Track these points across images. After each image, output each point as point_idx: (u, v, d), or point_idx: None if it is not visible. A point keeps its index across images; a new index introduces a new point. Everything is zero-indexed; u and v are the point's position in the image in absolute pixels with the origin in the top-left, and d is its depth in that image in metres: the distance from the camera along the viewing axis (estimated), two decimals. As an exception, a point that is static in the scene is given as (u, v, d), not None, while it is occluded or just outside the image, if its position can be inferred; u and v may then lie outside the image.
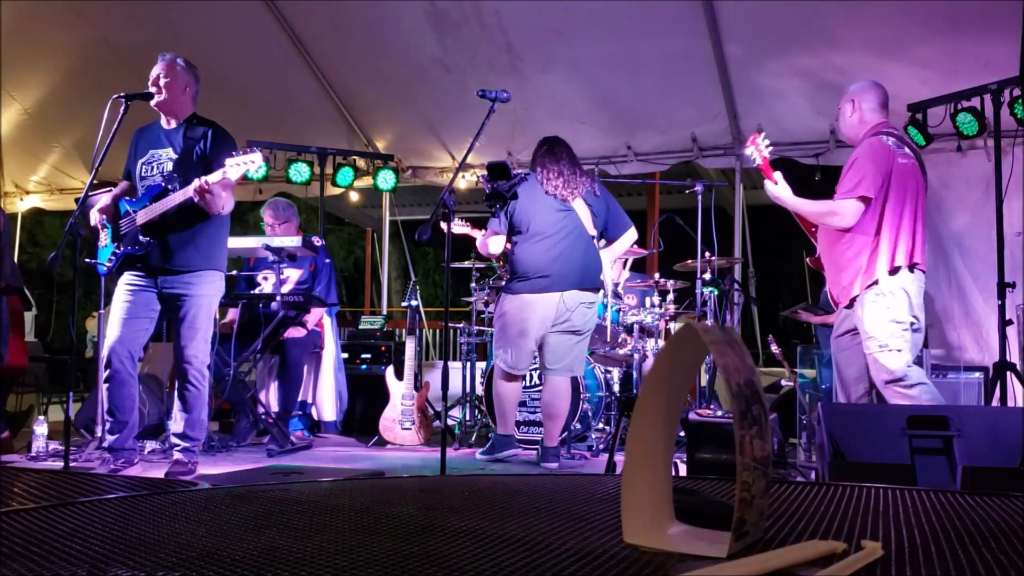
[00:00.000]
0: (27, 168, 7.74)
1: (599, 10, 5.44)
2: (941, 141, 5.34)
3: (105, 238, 3.96)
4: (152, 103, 3.86)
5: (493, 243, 4.35)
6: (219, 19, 5.97)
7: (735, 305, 5.47)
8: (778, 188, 3.58)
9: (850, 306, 3.54)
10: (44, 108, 6.89)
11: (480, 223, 4.78)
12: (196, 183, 3.61)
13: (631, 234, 4.53)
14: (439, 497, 1.65)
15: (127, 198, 3.92)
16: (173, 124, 3.93)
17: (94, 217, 3.92)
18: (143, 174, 3.90)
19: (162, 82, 3.85)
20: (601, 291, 4.59)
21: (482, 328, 5.78)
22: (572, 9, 5.49)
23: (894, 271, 3.42)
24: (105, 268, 3.93)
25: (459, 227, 4.75)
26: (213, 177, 3.62)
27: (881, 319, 3.41)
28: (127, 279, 3.84)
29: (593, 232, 4.35)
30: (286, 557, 1.08)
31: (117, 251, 3.87)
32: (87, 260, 4.10)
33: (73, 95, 6.60)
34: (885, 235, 3.44)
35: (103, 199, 3.95)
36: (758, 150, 3.56)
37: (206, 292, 3.85)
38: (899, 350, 3.37)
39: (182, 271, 3.81)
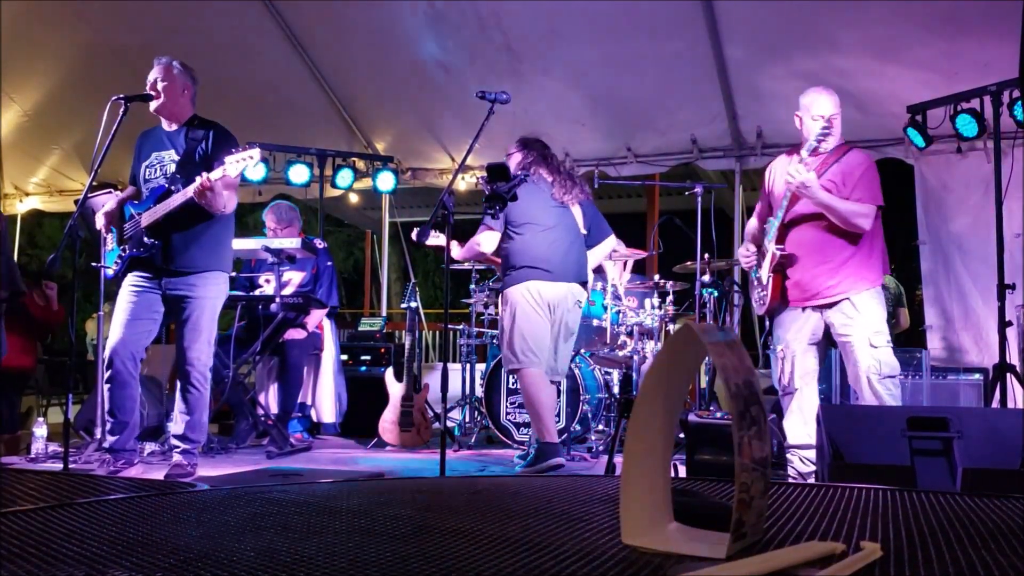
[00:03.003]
0: (26, 170, 7.74)
1: (599, 11, 5.44)
2: (941, 143, 5.35)
3: (111, 241, 3.97)
4: (152, 108, 3.87)
5: (488, 240, 4.22)
6: (218, 21, 5.97)
7: (735, 307, 5.47)
8: (812, 178, 3.61)
9: (826, 306, 3.66)
10: (43, 110, 6.89)
11: (463, 234, 4.55)
12: (196, 181, 3.61)
13: (611, 241, 4.59)
14: (438, 499, 1.64)
15: (133, 202, 3.93)
16: (175, 127, 3.94)
17: (99, 221, 3.93)
18: (147, 177, 3.92)
19: (160, 86, 3.85)
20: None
21: (482, 330, 5.78)
22: (571, 10, 5.49)
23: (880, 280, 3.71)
24: (111, 272, 3.95)
25: (434, 239, 4.35)
26: (214, 174, 3.62)
27: (882, 318, 3.64)
28: (131, 280, 3.85)
29: (583, 231, 4.38)
30: (285, 558, 1.08)
31: (123, 254, 3.88)
32: (93, 264, 4.10)
33: (72, 97, 6.59)
34: (879, 244, 3.69)
35: (109, 203, 3.95)
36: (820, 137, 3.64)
37: (210, 294, 3.85)
38: (891, 347, 3.64)
39: (186, 272, 3.81)
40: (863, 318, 3.58)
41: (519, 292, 4.16)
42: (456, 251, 4.35)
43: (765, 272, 3.78)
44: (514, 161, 4.36)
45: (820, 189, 3.59)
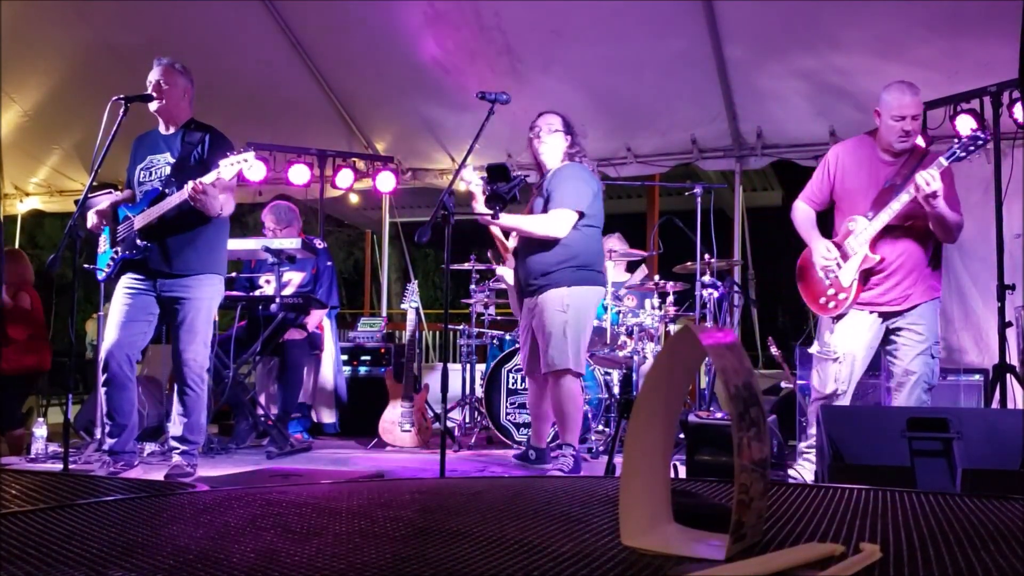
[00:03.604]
0: (27, 170, 7.73)
1: (599, 11, 5.44)
2: (941, 143, 5.33)
3: (104, 243, 3.97)
4: (152, 108, 3.87)
5: (569, 222, 3.97)
6: (218, 21, 5.97)
7: (735, 307, 5.47)
8: (941, 188, 3.42)
9: (895, 313, 3.60)
10: (44, 110, 6.89)
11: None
12: (190, 185, 3.61)
13: None
14: (438, 499, 1.64)
15: (127, 204, 3.92)
16: (171, 129, 3.93)
17: (91, 220, 3.92)
18: (141, 179, 3.91)
19: (163, 88, 3.85)
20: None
21: (482, 330, 5.78)
22: (572, 10, 5.49)
23: None
24: (104, 273, 3.94)
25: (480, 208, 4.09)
26: (207, 178, 3.62)
27: (938, 329, 3.66)
28: (126, 282, 3.84)
29: None
30: (285, 560, 1.08)
31: (115, 256, 3.88)
32: (86, 266, 4.10)
33: (73, 97, 6.59)
34: (942, 254, 3.68)
35: (102, 203, 3.94)
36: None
37: (205, 296, 3.85)
38: None
39: (181, 275, 3.81)
40: (927, 328, 3.56)
41: (595, 296, 4.09)
42: (500, 216, 3.98)
43: (849, 274, 3.59)
44: (560, 141, 4.15)
45: (943, 201, 3.41)
